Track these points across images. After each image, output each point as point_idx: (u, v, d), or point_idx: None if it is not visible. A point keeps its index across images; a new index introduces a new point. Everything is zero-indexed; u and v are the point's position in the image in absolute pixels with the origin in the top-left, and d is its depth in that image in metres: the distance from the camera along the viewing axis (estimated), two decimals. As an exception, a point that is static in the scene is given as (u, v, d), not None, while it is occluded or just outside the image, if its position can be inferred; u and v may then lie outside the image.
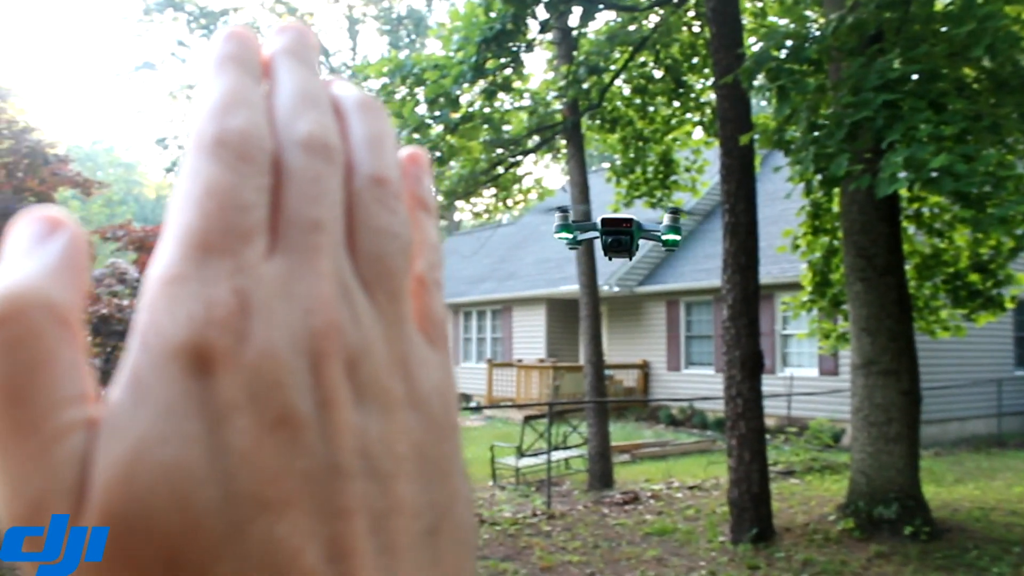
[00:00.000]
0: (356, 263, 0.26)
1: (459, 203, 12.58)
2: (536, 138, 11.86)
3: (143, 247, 8.76)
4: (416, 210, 0.30)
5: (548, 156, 13.84)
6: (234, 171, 0.24)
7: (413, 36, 42.23)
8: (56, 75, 71.06)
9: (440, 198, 12.21)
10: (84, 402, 0.22)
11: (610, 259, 1.58)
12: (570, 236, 1.58)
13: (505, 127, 11.80)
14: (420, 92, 10.47)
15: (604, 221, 1.49)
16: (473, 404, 20.42)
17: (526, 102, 11.91)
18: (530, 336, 21.30)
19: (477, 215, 13.23)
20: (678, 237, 1.50)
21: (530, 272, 21.54)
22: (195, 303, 0.22)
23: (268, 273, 0.24)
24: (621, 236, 1.48)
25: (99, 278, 8.73)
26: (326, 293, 0.24)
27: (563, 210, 1.63)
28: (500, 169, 11.88)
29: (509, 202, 12.74)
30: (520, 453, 10.89)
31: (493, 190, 12.44)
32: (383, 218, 0.27)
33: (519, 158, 12.00)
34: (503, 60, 10.43)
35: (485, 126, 11.21)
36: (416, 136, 10.47)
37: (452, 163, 11.40)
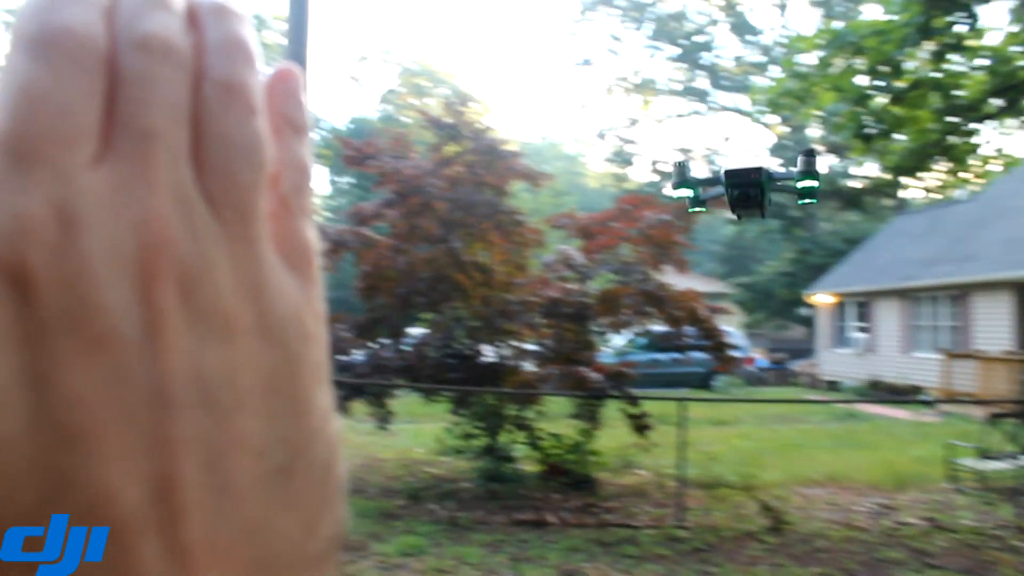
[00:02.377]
0: (202, 177, 0.23)
1: (906, 179, 11.62)
2: (997, 101, 10.55)
3: (587, 234, 9.25)
4: (284, 130, 0.27)
5: (1014, 120, 12.23)
6: (56, 71, 0.21)
7: (848, 4, 39.91)
8: (508, 78, 77.97)
9: (885, 173, 11.35)
10: None
11: (739, 217, 1.34)
12: (691, 193, 1.36)
13: (958, 92, 10.65)
14: (859, 62, 9.81)
15: (728, 173, 1.28)
16: (925, 397, 18.84)
17: (984, 61, 10.65)
18: (993, 324, 19.09)
19: (928, 191, 12.10)
20: (815, 183, 1.23)
21: (994, 253, 19.27)
22: (3, 215, 0.20)
23: (92, 183, 0.21)
24: (749, 189, 1.27)
25: (549, 264, 9.37)
26: (158, 205, 0.22)
27: (680, 165, 1.40)
28: (953, 139, 10.74)
29: (965, 175, 11.48)
30: (984, 455, 9.82)
31: (946, 163, 11.30)
32: (232, 128, 0.24)
33: (976, 125, 10.77)
34: (953, 17, 9.41)
35: (934, 92, 10.21)
36: (857, 108, 9.84)
37: (897, 135, 10.54)
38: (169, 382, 0.21)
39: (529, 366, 9.13)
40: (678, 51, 43.44)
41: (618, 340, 12.57)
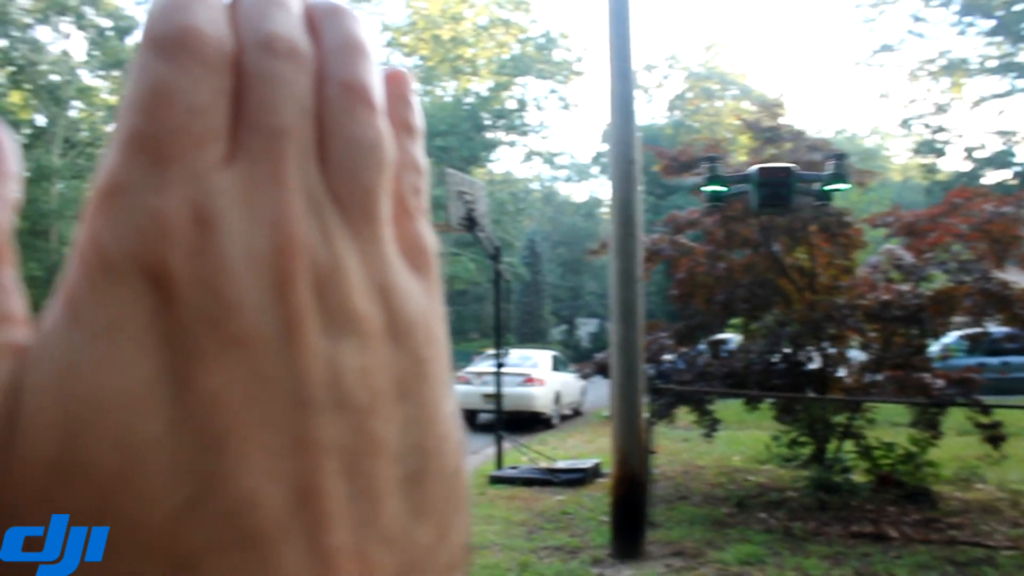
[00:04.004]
0: (327, 177, 0.23)
1: None
2: None
3: (914, 231, 8.72)
4: (398, 132, 0.26)
5: None
6: (186, 71, 0.21)
7: None
8: (799, 73, 75.20)
9: None
10: (10, 325, 0.21)
11: (759, 215, 1.33)
12: (723, 190, 1.37)
13: None
14: None
15: (761, 171, 1.29)
16: None
17: None
18: None
19: None
20: (846, 185, 1.20)
21: None
22: (141, 214, 0.20)
23: (225, 182, 0.21)
24: (780, 188, 1.29)
25: (874, 265, 8.93)
26: (291, 205, 0.21)
27: (712, 160, 1.38)
28: None
29: None
30: None
31: None
32: (356, 128, 0.24)
33: None
34: None
35: None
36: None
37: None
38: (307, 383, 0.21)
39: (856, 372, 8.77)
40: (993, 24, 39.72)
41: (937, 344, 11.68)
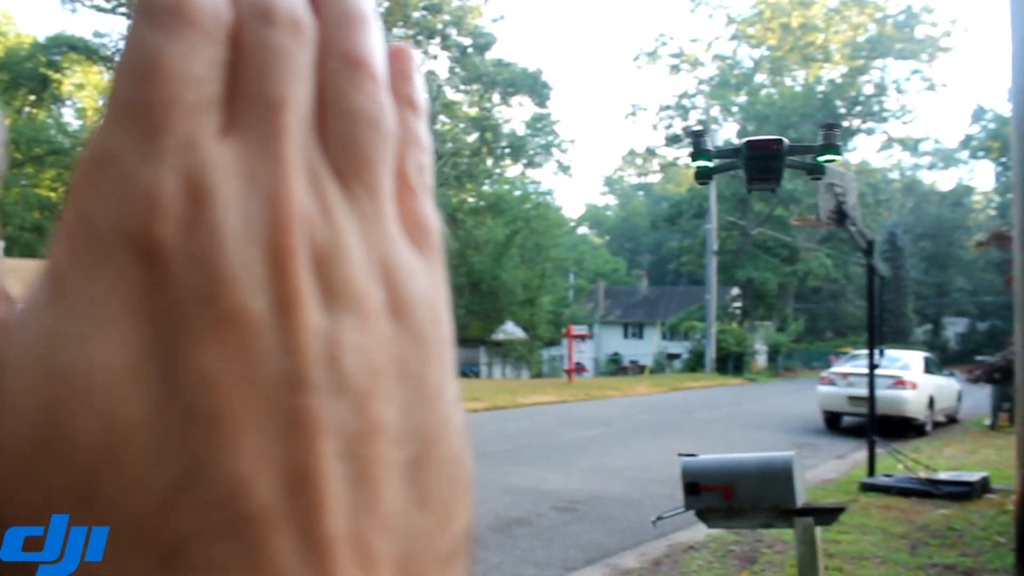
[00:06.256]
0: (328, 152, 0.22)
1: None
2: None
3: None
4: (402, 108, 0.25)
5: None
6: (181, 40, 0.20)
7: None
8: None
9: None
10: None
11: (750, 191, 1.00)
12: (709, 165, 1.02)
13: None
14: None
15: (750, 145, 1.23)
16: None
17: None
18: None
19: None
20: (837, 157, 1.02)
21: None
22: (131, 186, 0.19)
23: (221, 154, 0.20)
24: (771, 161, 1.27)
25: None
26: (290, 179, 0.21)
27: (697, 135, 0.99)
28: None
29: None
30: None
31: None
32: (358, 102, 0.23)
33: None
34: None
35: None
36: None
37: None
38: (303, 363, 0.20)
39: None
40: None
41: None
